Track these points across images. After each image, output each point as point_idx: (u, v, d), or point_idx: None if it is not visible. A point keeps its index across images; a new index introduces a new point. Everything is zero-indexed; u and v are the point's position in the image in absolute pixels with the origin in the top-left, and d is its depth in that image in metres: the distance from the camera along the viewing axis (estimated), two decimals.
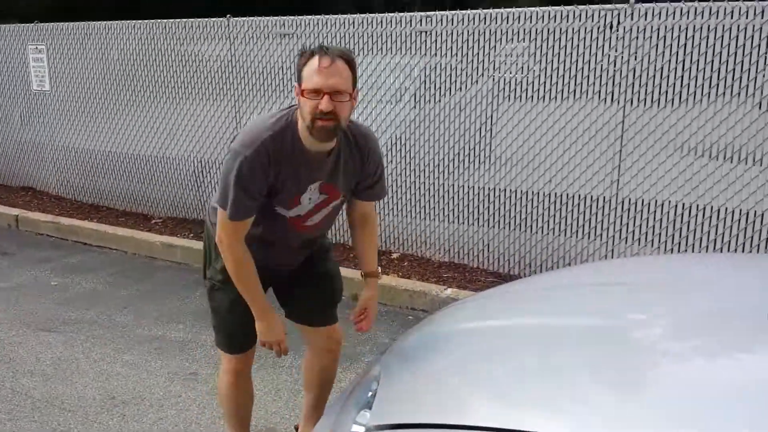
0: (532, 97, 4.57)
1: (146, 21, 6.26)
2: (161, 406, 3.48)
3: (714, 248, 4.16)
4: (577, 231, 4.55)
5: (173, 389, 3.64)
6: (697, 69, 4.02)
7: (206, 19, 5.91)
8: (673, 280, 2.24)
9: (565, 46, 4.38)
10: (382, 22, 5.00)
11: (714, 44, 3.95)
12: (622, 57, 4.22)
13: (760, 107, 3.89)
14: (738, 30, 3.86)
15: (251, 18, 5.69)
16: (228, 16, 5.74)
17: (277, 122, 2.19)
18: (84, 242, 6.17)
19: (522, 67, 4.58)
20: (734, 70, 3.91)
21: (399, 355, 2.20)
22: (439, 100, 4.90)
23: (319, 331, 2.73)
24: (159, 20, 6.19)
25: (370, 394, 2.05)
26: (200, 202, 6.27)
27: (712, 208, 4.13)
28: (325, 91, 2.06)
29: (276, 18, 5.57)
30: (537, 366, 1.78)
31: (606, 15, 4.24)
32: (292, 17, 5.50)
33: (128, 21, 6.40)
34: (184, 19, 6.03)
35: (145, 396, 3.57)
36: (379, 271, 2.63)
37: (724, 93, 3.97)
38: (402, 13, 5.05)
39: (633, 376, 1.62)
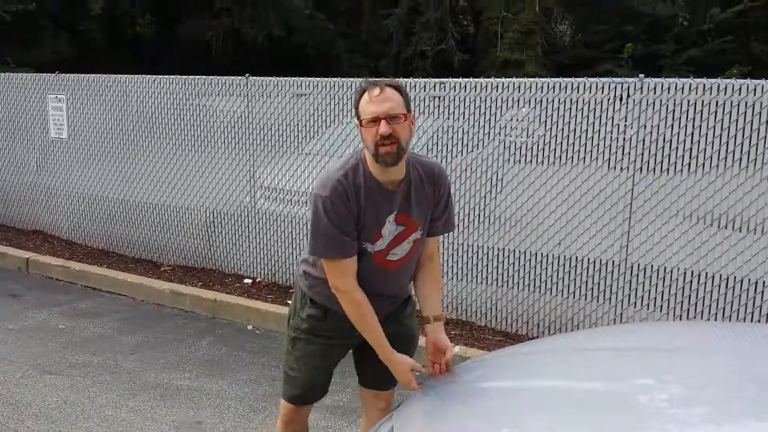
0: (543, 161, 4.68)
1: (166, 76, 6.45)
2: None
3: (723, 316, 4.19)
4: (585, 294, 4.59)
5: None
6: (706, 141, 4.14)
7: (225, 77, 6.09)
8: (682, 347, 2.28)
9: (576, 114, 4.51)
10: None
11: (723, 119, 4.07)
12: (632, 127, 4.35)
13: (767, 181, 3.99)
14: (746, 106, 4.00)
15: (268, 78, 5.87)
16: (247, 75, 5.92)
17: (346, 162, 2.34)
18: (93, 287, 6.20)
19: (533, 133, 4.71)
20: (742, 143, 4.03)
21: (411, 410, 2.23)
22: (450, 161, 5.01)
23: (381, 396, 2.71)
24: (178, 76, 6.37)
25: None
26: (210, 251, 6.33)
27: (720, 276, 4.18)
28: (380, 117, 2.20)
29: (292, 79, 5.75)
30: (541, 427, 1.82)
31: (616, 88, 4.39)
32: (307, 78, 5.68)
33: (147, 75, 6.58)
34: (203, 76, 6.22)
35: None
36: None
37: (732, 165, 4.08)
38: (417, 79, 5.23)
39: None
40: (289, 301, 5.55)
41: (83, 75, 7.00)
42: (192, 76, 6.26)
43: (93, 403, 3.98)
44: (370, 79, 2.29)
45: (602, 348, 2.38)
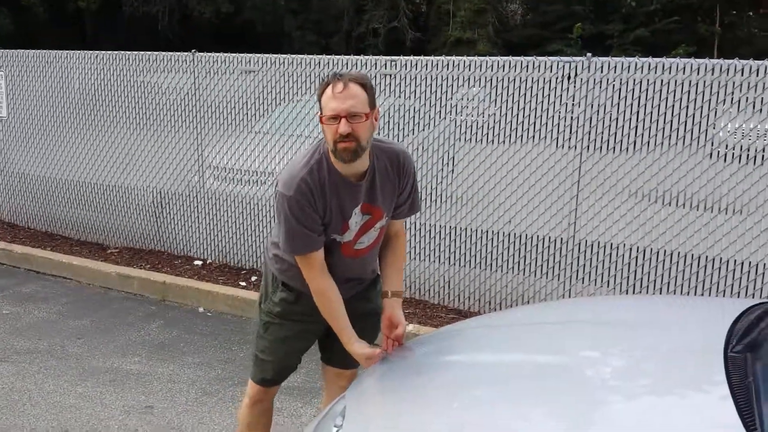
0: (493, 140, 4.72)
1: (109, 52, 6.26)
2: None
3: (666, 290, 4.31)
4: (535, 270, 4.66)
5: (129, 423, 3.57)
6: (651, 120, 4.23)
7: (171, 53, 5.94)
8: (623, 319, 2.34)
9: (525, 93, 4.55)
10: (348, 63, 5.11)
11: (667, 97, 4.16)
12: (579, 106, 4.40)
13: (710, 157, 4.10)
14: (690, 85, 4.09)
15: (215, 54, 5.75)
16: (193, 51, 5.79)
17: (310, 158, 2.31)
18: (37, 271, 6.03)
19: (483, 112, 4.74)
20: (686, 122, 4.13)
21: (364, 389, 2.24)
22: (402, 140, 5.00)
23: (343, 374, 2.72)
24: (122, 52, 6.19)
25: (335, 429, 2.08)
26: (158, 232, 6.21)
27: (664, 251, 4.30)
28: (341, 115, 2.17)
29: (240, 55, 5.64)
30: (493, 400, 1.85)
31: (565, 66, 4.43)
32: (256, 55, 5.58)
33: (91, 51, 6.39)
34: (148, 52, 6.06)
35: (100, 429, 3.50)
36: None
37: (676, 143, 4.17)
38: (367, 56, 5.18)
39: (581, 411, 1.69)
40: (242, 283, 5.54)
41: (23, 51, 6.75)
42: (136, 52, 6.10)
43: (40, 390, 3.89)
44: (337, 71, 2.27)
45: (548, 322, 2.43)
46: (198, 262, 5.92)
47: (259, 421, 2.80)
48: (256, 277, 5.57)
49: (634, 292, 4.38)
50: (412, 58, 4.91)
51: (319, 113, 2.26)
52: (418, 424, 1.85)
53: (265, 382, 2.70)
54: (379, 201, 2.40)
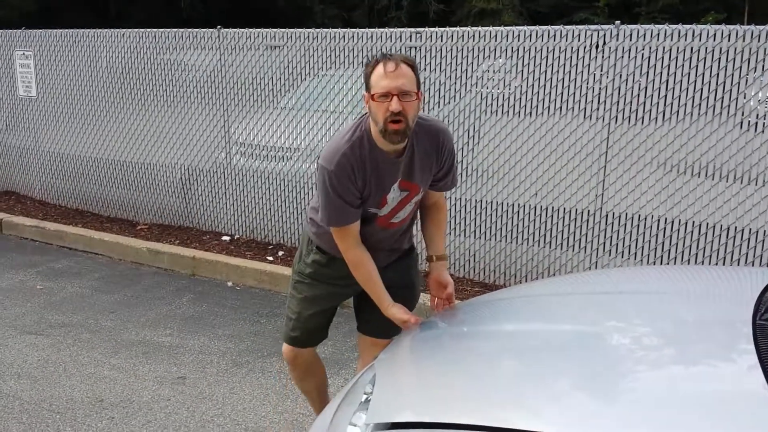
0: (519, 112, 4.68)
1: (136, 30, 6.30)
2: (150, 409, 3.49)
3: (695, 262, 4.27)
4: (561, 243, 4.64)
5: (162, 393, 3.65)
6: (680, 89, 4.16)
7: (196, 30, 5.96)
8: (653, 290, 2.34)
9: (552, 64, 4.50)
10: (372, 36, 5.09)
11: (697, 65, 4.08)
12: (607, 76, 4.34)
13: (740, 127, 4.03)
14: (720, 52, 4.00)
15: (240, 30, 5.75)
16: (219, 27, 5.80)
17: (353, 134, 2.36)
18: (69, 247, 6.16)
19: (509, 84, 4.69)
20: (716, 90, 4.05)
21: (393, 358, 2.27)
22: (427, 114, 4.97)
23: (378, 343, 2.75)
24: (148, 29, 6.22)
25: (365, 396, 2.11)
26: (186, 208, 6.29)
27: (693, 222, 4.25)
28: (393, 93, 2.21)
29: (265, 30, 5.64)
30: (522, 369, 1.87)
31: (592, 35, 4.37)
32: (281, 30, 5.57)
33: (118, 29, 6.43)
34: (174, 29, 6.08)
35: (134, 399, 3.58)
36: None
37: (706, 112, 4.11)
38: (391, 29, 5.15)
39: (610, 380, 1.70)
40: (269, 258, 5.61)
41: (51, 30, 6.82)
42: (162, 30, 6.12)
43: (75, 362, 3.99)
44: (386, 53, 2.30)
45: (578, 293, 2.43)
46: (226, 238, 5.99)
47: (307, 374, 2.90)
48: (283, 252, 5.63)
49: (662, 264, 4.35)
50: (436, 29, 4.87)
51: (366, 93, 2.29)
52: (447, 390, 1.87)
53: (294, 341, 2.78)
54: (417, 177, 2.44)
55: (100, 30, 6.51)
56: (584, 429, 1.51)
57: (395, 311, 2.45)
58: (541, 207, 4.68)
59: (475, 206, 4.91)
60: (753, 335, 1.73)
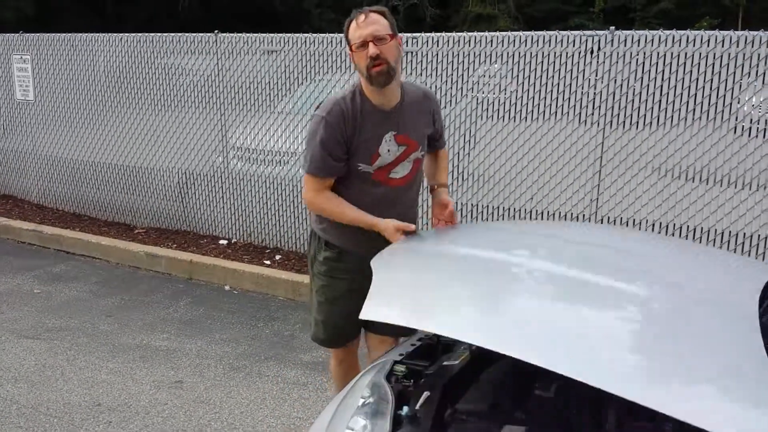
0: (515, 117, 4.71)
1: (133, 34, 6.32)
2: (147, 413, 3.50)
3: None
4: None
5: (159, 397, 3.66)
6: (675, 94, 4.19)
7: (194, 34, 5.98)
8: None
9: (547, 69, 4.53)
10: None
11: (691, 71, 4.11)
12: (602, 81, 4.38)
13: (734, 132, 4.06)
14: (714, 57, 4.04)
15: (238, 34, 5.77)
16: (216, 32, 5.82)
17: (347, 90, 2.52)
18: (67, 251, 6.16)
19: (505, 89, 4.72)
20: (710, 95, 4.09)
21: (388, 261, 2.32)
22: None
23: (387, 341, 2.77)
24: (146, 34, 6.24)
25: (362, 401, 2.12)
26: (184, 212, 6.30)
27: (687, 227, 4.28)
28: (368, 40, 2.37)
29: (262, 35, 5.66)
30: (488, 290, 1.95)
31: (587, 41, 4.40)
32: (278, 35, 5.59)
33: (115, 34, 6.44)
34: (172, 34, 6.10)
35: (131, 403, 3.59)
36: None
37: (700, 117, 4.14)
38: None
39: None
40: (266, 261, 5.62)
41: (48, 34, 6.83)
42: (160, 34, 6.14)
43: (72, 366, 4.00)
44: (358, 9, 2.45)
45: (574, 241, 2.49)
46: (223, 242, 6.00)
47: (346, 377, 2.86)
48: (280, 256, 5.64)
49: None
50: (432, 34, 4.90)
51: (349, 50, 2.45)
52: (439, 281, 1.99)
53: (324, 342, 2.81)
54: (412, 133, 2.56)
55: (98, 34, 6.52)
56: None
57: (386, 221, 2.48)
58: (537, 212, 4.70)
59: (471, 210, 4.93)
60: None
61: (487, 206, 4.86)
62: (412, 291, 2.02)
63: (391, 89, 2.47)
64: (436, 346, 2.32)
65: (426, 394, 1.92)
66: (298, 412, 3.52)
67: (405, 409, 1.92)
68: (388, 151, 2.52)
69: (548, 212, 4.65)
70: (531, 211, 4.71)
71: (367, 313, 1.93)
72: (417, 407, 1.87)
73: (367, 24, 2.38)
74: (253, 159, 5.81)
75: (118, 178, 6.63)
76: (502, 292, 1.91)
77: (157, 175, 6.38)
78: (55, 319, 4.66)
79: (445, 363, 2.10)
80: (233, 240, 6.03)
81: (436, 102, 2.71)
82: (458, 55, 4.82)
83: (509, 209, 4.78)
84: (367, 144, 2.48)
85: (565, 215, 4.60)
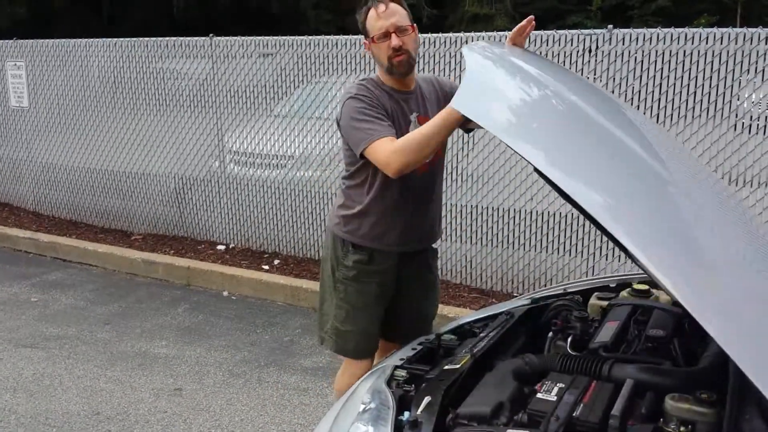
0: None
1: (128, 39, 6.29)
2: (147, 421, 3.46)
3: None
4: (558, 248, 4.64)
5: (158, 405, 3.62)
6: (674, 92, 4.16)
7: (188, 38, 5.95)
8: None
9: None
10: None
11: (690, 69, 4.09)
12: (600, 80, 4.35)
13: (734, 129, 4.03)
14: (713, 55, 4.01)
15: (233, 38, 5.75)
16: (211, 35, 5.79)
17: (362, 81, 2.47)
18: (63, 259, 6.13)
19: None
20: (709, 93, 4.06)
21: (483, 58, 2.18)
22: None
23: (391, 348, 2.69)
24: (140, 38, 6.22)
25: (362, 407, 2.09)
26: (181, 218, 6.27)
27: None
28: (390, 30, 2.36)
29: (258, 38, 5.64)
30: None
31: (585, 39, 4.37)
32: (274, 38, 5.57)
33: (109, 39, 6.42)
34: (166, 38, 6.07)
35: (130, 412, 3.56)
36: None
37: (699, 115, 4.11)
38: None
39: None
40: (264, 266, 5.58)
41: (42, 40, 6.80)
42: (154, 38, 6.12)
43: (71, 375, 3.96)
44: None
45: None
46: (221, 247, 5.97)
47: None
48: (278, 261, 5.61)
49: None
50: (429, 35, 4.87)
51: (366, 40, 2.44)
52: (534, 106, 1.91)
53: (350, 353, 2.66)
54: (432, 113, 2.44)
55: (92, 39, 6.49)
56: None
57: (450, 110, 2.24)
58: (537, 212, 4.67)
59: (471, 212, 4.90)
60: None
61: (487, 207, 4.83)
62: (506, 103, 1.91)
63: (410, 77, 2.48)
64: (436, 350, 2.30)
65: (427, 398, 1.89)
66: (299, 418, 3.49)
67: (406, 414, 1.89)
68: None
69: (548, 212, 4.62)
70: (531, 212, 4.67)
71: (458, 103, 1.89)
72: (418, 412, 1.85)
73: (388, 15, 2.37)
74: (250, 163, 5.78)
75: (114, 184, 6.60)
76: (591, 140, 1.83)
77: (154, 180, 6.34)
78: (52, 328, 4.62)
79: (446, 367, 2.07)
80: (231, 245, 5.99)
81: (445, 79, 2.69)
82: (455, 55, 4.79)
83: (509, 210, 4.75)
84: (398, 123, 2.44)
85: (566, 215, 4.57)
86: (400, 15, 2.39)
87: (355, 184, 2.54)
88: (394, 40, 2.35)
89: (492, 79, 2.06)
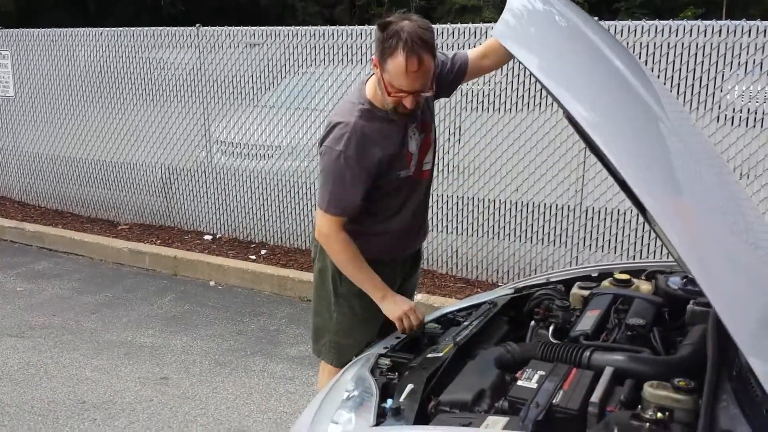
0: (500, 108, 4.70)
1: (114, 29, 6.26)
2: (133, 410, 3.48)
3: None
4: (543, 238, 4.67)
5: (144, 393, 3.64)
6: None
7: (175, 28, 5.92)
8: None
9: None
10: (352, 34, 5.09)
11: (674, 61, 4.12)
12: None
13: (717, 121, 4.07)
14: (697, 47, 4.04)
15: (220, 28, 5.73)
16: (198, 25, 5.77)
17: (353, 109, 2.24)
18: (50, 248, 6.10)
19: (489, 80, 4.71)
20: (693, 85, 4.09)
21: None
22: None
23: None
24: (127, 28, 6.18)
25: (346, 394, 2.11)
26: (168, 208, 6.25)
27: None
28: (410, 92, 2.12)
29: (245, 28, 5.62)
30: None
31: None
32: (261, 28, 5.55)
33: (95, 28, 6.38)
34: (153, 28, 6.04)
35: (116, 400, 3.56)
36: None
37: (683, 107, 4.14)
38: (372, 26, 5.14)
39: None
40: (251, 256, 5.58)
41: (28, 30, 6.75)
42: (141, 28, 6.09)
43: (56, 364, 3.96)
44: (408, 33, 2.07)
45: None
46: (208, 237, 5.97)
47: None
48: (265, 251, 5.61)
49: (641, 258, 4.39)
50: None
51: (376, 58, 2.15)
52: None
53: (344, 365, 2.51)
54: (427, 112, 2.38)
55: (78, 29, 6.45)
56: None
57: (400, 305, 2.28)
58: (522, 203, 4.70)
59: (457, 202, 4.92)
60: None
61: (473, 198, 4.86)
62: (548, 47, 1.85)
63: None
64: (420, 339, 2.33)
65: (410, 386, 1.92)
66: (285, 406, 3.51)
67: (389, 401, 1.92)
68: (417, 145, 2.35)
69: (533, 203, 4.65)
70: (517, 202, 4.70)
71: (500, 32, 1.74)
72: (401, 400, 1.87)
73: (418, 77, 2.08)
74: (237, 153, 5.78)
75: (100, 174, 6.57)
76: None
77: (140, 170, 6.32)
78: (38, 317, 4.61)
79: (429, 355, 2.10)
80: (218, 235, 5.99)
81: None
82: (442, 46, 4.80)
83: (495, 200, 4.78)
84: (396, 152, 2.28)
85: (551, 206, 4.60)
86: (428, 78, 2.12)
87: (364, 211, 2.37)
88: (409, 103, 2.14)
89: (533, 22, 1.97)
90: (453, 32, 4.74)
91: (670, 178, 1.66)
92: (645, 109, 1.85)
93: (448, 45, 4.75)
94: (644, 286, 2.27)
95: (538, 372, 1.79)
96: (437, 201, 4.96)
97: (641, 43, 4.19)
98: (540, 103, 4.55)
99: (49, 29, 6.61)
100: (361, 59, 5.08)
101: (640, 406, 1.61)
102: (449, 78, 2.43)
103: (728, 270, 1.54)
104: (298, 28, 5.40)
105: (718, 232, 1.66)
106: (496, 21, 2.22)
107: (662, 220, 1.44)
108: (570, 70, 1.80)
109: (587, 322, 2.04)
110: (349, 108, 2.25)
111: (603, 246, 4.50)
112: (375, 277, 2.33)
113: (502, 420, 1.64)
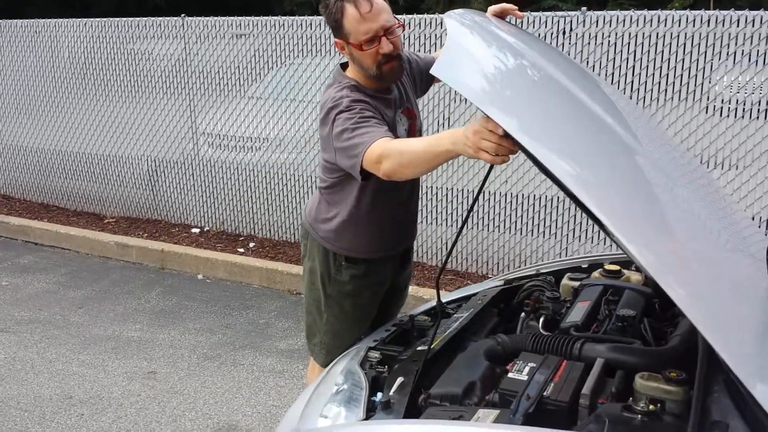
0: None
1: (98, 19, 6.18)
2: (120, 405, 3.45)
3: None
4: (532, 230, 4.66)
5: (132, 388, 3.61)
6: (647, 74, 4.18)
7: (160, 18, 5.85)
8: None
9: None
10: None
11: (663, 51, 4.11)
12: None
13: (706, 112, 4.07)
14: (686, 37, 4.04)
15: (206, 18, 5.66)
16: (183, 15, 5.70)
17: (340, 86, 2.13)
18: (35, 242, 6.04)
19: None
20: (682, 75, 4.09)
21: (464, 27, 1.99)
22: None
23: None
24: (111, 18, 6.10)
25: (336, 388, 2.09)
26: (154, 201, 6.20)
27: None
28: (380, 34, 2.02)
29: (231, 18, 5.56)
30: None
31: (559, 21, 4.37)
32: (247, 18, 5.49)
33: (79, 19, 6.30)
34: (137, 18, 5.97)
35: (103, 395, 3.53)
36: None
37: (672, 98, 4.14)
38: None
39: None
40: (240, 249, 5.53)
41: (10, 20, 6.65)
42: (125, 19, 6.01)
43: (42, 359, 3.92)
44: None
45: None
46: (195, 230, 5.92)
47: None
48: (254, 244, 5.58)
49: None
50: (405, 16, 4.84)
51: (339, 40, 2.07)
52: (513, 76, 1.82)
53: (329, 363, 2.49)
54: (412, 101, 2.31)
55: (61, 20, 6.36)
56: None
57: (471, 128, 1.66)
58: (512, 194, 4.69)
59: (446, 194, 4.91)
60: None
61: (462, 189, 4.84)
62: (484, 71, 1.75)
63: None
64: (410, 332, 2.31)
65: (400, 379, 1.91)
66: (274, 400, 3.49)
67: (379, 395, 1.90)
68: (405, 130, 2.27)
69: (523, 194, 4.64)
70: (506, 194, 4.69)
71: (439, 70, 1.59)
72: (391, 393, 1.86)
73: (375, 15, 1.99)
74: (225, 145, 5.73)
75: (86, 166, 6.50)
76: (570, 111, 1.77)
77: (127, 163, 6.26)
78: (24, 312, 4.56)
79: (419, 348, 2.08)
80: (206, 228, 5.95)
81: (410, 59, 2.35)
82: (430, 36, 4.77)
83: (484, 192, 4.76)
84: (389, 125, 2.15)
85: (540, 197, 4.59)
86: (386, 12, 2.02)
87: (340, 192, 2.27)
88: (386, 46, 2.01)
89: (471, 47, 1.90)
90: (441, 22, 4.71)
91: (649, 220, 1.55)
92: (606, 133, 1.77)
93: (436, 35, 4.72)
94: (634, 277, 2.26)
95: (529, 364, 1.78)
96: (426, 193, 4.94)
97: (630, 33, 4.18)
98: None
99: (32, 20, 6.52)
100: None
101: (631, 398, 1.60)
102: (424, 73, 2.36)
103: (712, 291, 1.51)
104: (285, 18, 5.34)
105: (702, 255, 1.61)
106: (484, 11, 2.20)
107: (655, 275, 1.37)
108: (518, 101, 1.70)
109: (578, 313, 2.03)
110: (337, 86, 2.15)
111: (593, 237, 4.49)
112: (434, 137, 1.86)
113: (493, 413, 1.63)
